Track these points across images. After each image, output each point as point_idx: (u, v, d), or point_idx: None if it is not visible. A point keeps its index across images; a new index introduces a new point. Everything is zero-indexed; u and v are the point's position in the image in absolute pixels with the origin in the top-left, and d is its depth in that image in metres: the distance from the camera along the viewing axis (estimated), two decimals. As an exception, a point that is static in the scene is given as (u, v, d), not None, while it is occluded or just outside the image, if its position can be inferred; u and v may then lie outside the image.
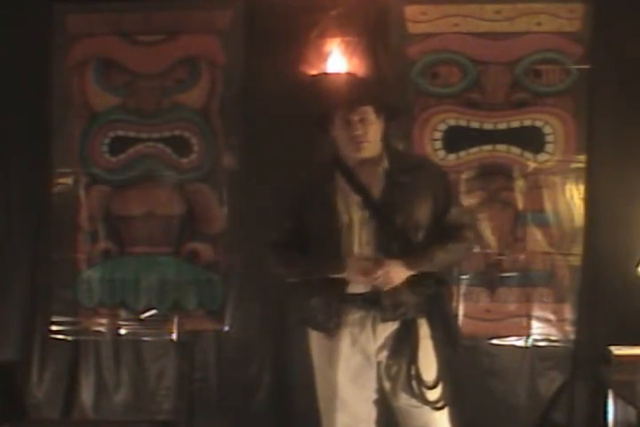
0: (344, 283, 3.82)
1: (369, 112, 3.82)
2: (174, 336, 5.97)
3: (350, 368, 3.84)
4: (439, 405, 3.83)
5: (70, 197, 6.22)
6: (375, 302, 3.79)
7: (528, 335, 5.88)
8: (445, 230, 3.86)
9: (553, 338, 5.88)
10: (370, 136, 3.83)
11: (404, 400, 3.84)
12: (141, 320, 6.13)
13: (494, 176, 5.96)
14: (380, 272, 3.73)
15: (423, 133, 6.00)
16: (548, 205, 5.90)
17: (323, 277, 3.84)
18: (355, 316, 3.84)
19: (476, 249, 5.65)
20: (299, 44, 5.96)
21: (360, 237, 3.81)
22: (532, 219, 5.90)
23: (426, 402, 3.81)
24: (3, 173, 6.25)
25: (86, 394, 6.15)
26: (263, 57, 5.99)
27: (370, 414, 3.89)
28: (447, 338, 3.89)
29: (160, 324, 6.07)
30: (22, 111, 6.21)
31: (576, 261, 5.87)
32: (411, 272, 3.79)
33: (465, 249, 3.97)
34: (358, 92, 3.95)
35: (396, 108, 4.04)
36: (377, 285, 3.77)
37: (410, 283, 3.80)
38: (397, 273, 3.75)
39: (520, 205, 5.92)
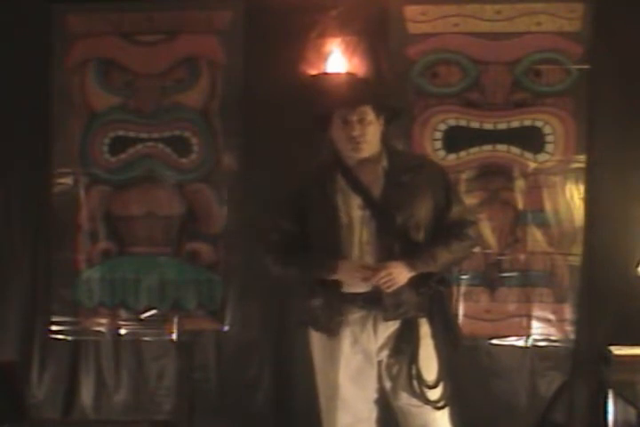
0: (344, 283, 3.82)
1: (367, 112, 3.82)
2: (174, 336, 5.97)
3: (351, 368, 3.84)
4: (440, 404, 3.83)
5: (70, 197, 6.22)
6: (376, 302, 3.79)
7: (528, 335, 5.88)
8: (448, 229, 3.86)
9: (553, 338, 5.88)
10: (368, 136, 3.82)
11: (405, 400, 3.84)
12: (141, 320, 6.13)
13: (494, 176, 5.96)
14: (382, 274, 3.73)
15: (423, 133, 6.01)
16: (547, 205, 5.90)
17: (320, 279, 3.84)
18: (356, 315, 3.84)
19: (476, 249, 5.64)
20: (299, 44, 5.96)
21: (360, 236, 3.81)
22: (532, 219, 5.91)
23: (427, 402, 3.81)
24: (3, 173, 6.25)
25: (86, 394, 6.16)
26: (263, 57, 6.00)
27: (370, 413, 3.89)
28: (448, 338, 3.89)
29: (160, 324, 6.06)
30: (22, 111, 6.21)
31: (576, 261, 5.87)
32: (413, 273, 3.79)
33: (468, 247, 3.97)
34: (357, 91, 3.95)
35: (397, 109, 4.03)
36: (380, 287, 3.76)
37: (411, 282, 3.80)
38: (401, 275, 3.75)
39: (520, 204, 5.92)
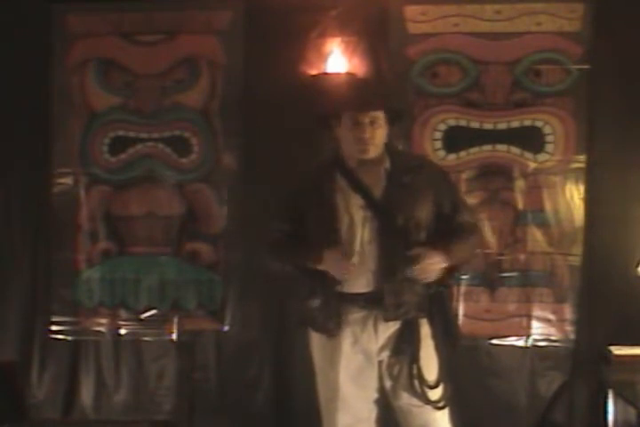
0: (344, 282, 3.81)
1: (380, 116, 3.82)
2: (174, 336, 5.97)
3: (351, 368, 3.84)
4: (440, 404, 3.82)
5: (70, 197, 6.22)
6: (377, 302, 3.79)
7: (528, 335, 5.89)
8: (458, 229, 3.86)
9: (553, 338, 5.88)
10: (377, 139, 3.83)
11: (405, 400, 3.84)
12: (141, 320, 6.13)
13: (494, 176, 5.97)
14: (422, 264, 3.71)
15: (423, 133, 6.01)
16: (547, 205, 5.91)
17: (309, 269, 3.84)
18: (356, 315, 3.83)
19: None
20: (299, 44, 5.96)
21: (362, 236, 3.81)
22: (532, 219, 5.91)
23: (427, 402, 3.81)
24: (3, 173, 6.25)
25: (86, 394, 6.16)
26: (263, 57, 6.00)
27: (370, 413, 3.89)
28: (448, 338, 3.90)
29: (160, 324, 6.07)
30: (22, 111, 6.21)
31: (576, 261, 5.87)
32: (446, 265, 3.77)
33: (476, 246, 3.99)
34: (372, 95, 3.92)
35: (401, 111, 4.03)
36: (416, 276, 3.74)
37: (411, 282, 3.79)
38: (437, 265, 3.75)
39: (520, 204, 5.92)
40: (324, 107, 4.01)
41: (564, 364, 5.85)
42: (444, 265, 3.78)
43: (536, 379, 5.87)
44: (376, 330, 3.84)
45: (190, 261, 6.15)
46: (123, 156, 6.24)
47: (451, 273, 3.88)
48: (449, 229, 3.85)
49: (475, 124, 5.99)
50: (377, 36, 6.01)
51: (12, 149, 6.22)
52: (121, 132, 6.25)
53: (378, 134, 3.83)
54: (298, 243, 3.89)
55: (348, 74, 5.91)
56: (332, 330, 3.84)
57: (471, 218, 3.98)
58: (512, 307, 5.92)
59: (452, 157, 5.99)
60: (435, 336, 3.86)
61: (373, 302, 3.80)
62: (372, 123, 3.81)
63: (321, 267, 3.80)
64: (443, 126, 6.01)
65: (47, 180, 6.25)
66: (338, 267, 3.77)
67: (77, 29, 6.26)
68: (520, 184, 5.93)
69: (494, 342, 5.90)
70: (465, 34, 5.99)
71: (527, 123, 5.95)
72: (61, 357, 6.20)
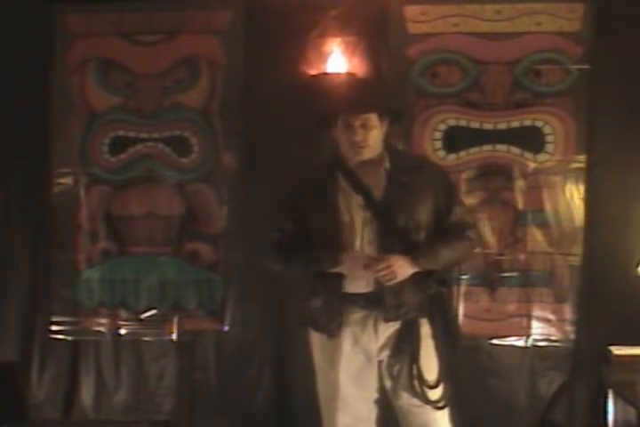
0: (345, 283, 3.82)
1: (372, 119, 3.81)
2: (174, 336, 5.97)
3: (351, 368, 3.84)
4: (440, 404, 3.82)
5: (70, 197, 6.23)
6: (377, 302, 3.79)
7: (528, 335, 5.89)
8: (449, 230, 3.86)
9: (553, 338, 5.88)
10: (370, 141, 3.82)
11: (406, 400, 3.84)
12: (141, 320, 6.14)
13: (494, 176, 5.97)
14: (382, 265, 3.73)
15: (423, 133, 6.01)
16: (547, 205, 5.91)
17: (321, 272, 3.83)
18: (356, 316, 3.83)
19: (476, 249, 5.63)
20: (299, 44, 5.96)
21: (362, 237, 3.81)
22: (531, 219, 5.91)
23: (427, 402, 3.81)
24: (3, 173, 6.25)
25: (86, 394, 6.16)
26: (263, 57, 6.00)
27: (370, 413, 3.89)
28: (447, 338, 3.90)
29: (160, 324, 6.07)
30: (22, 111, 6.21)
31: (576, 261, 5.87)
32: (415, 269, 3.78)
33: (469, 248, 3.97)
34: (363, 98, 3.90)
35: (401, 112, 4.03)
36: (380, 280, 3.76)
37: (411, 283, 3.80)
38: (402, 269, 3.74)
39: (520, 204, 5.92)
40: (324, 107, 4.01)
41: (564, 364, 5.85)
42: (409, 270, 3.77)
43: (536, 379, 5.87)
44: (376, 330, 3.83)
45: (190, 261, 6.15)
46: (123, 156, 6.25)
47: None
48: (442, 230, 3.86)
49: (475, 125, 5.99)
50: (377, 36, 6.01)
51: (12, 149, 6.23)
52: (121, 132, 6.25)
53: (371, 136, 3.82)
54: (303, 244, 3.89)
55: (348, 74, 5.91)
56: (332, 330, 3.84)
57: (467, 218, 3.97)
58: (512, 307, 5.92)
59: (452, 157, 5.99)
60: (435, 336, 3.86)
61: (373, 303, 3.80)
62: (364, 125, 3.80)
63: (338, 269, 3.80)
64: (443, 126, 6.02)
65: (47, 180, 6.25)
66: (357, 270, 3.76)
67: (77, 29, 6.26)
68: (520, 184, 5.93)
69: (494, 342, 5.90)
70: (465, 34, 5.99)
71: (527, 123, 5.95)
72: (61, 357, 6.20)
